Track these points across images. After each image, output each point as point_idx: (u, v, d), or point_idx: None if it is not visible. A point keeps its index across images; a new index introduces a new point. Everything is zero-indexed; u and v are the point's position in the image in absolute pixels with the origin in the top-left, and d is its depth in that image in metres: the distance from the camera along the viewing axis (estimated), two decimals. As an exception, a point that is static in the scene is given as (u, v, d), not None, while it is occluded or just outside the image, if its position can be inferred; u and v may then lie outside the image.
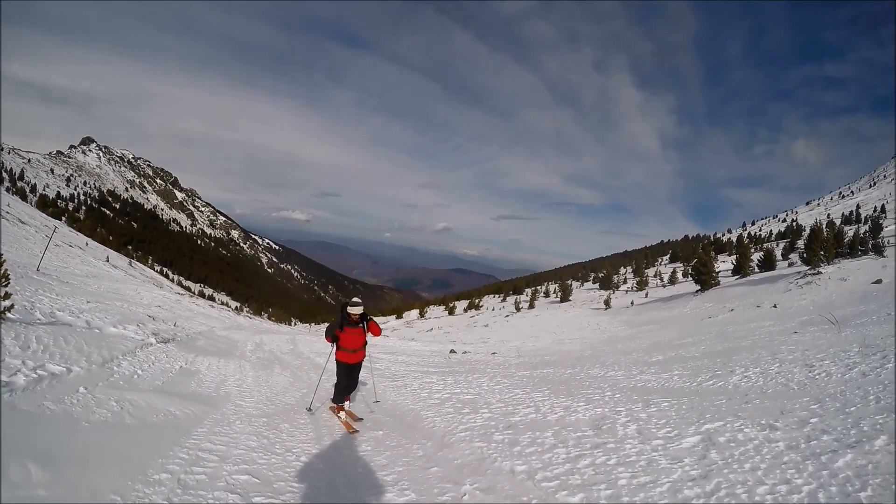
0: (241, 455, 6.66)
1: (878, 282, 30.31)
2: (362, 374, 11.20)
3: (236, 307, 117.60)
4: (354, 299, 9.97)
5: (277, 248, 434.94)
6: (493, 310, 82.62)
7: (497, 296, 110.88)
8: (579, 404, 9.31)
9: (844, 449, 5.30)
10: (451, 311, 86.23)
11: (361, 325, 10.00)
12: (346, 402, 10.00)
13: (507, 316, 67.85)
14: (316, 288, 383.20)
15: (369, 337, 10.57)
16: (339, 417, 9.59)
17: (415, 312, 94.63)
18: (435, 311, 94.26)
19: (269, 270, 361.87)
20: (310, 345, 27.72)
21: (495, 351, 28.32)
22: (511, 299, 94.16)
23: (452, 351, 27.51)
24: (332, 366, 10.30)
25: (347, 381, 10.00)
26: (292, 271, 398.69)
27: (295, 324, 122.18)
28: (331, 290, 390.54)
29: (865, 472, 4.73)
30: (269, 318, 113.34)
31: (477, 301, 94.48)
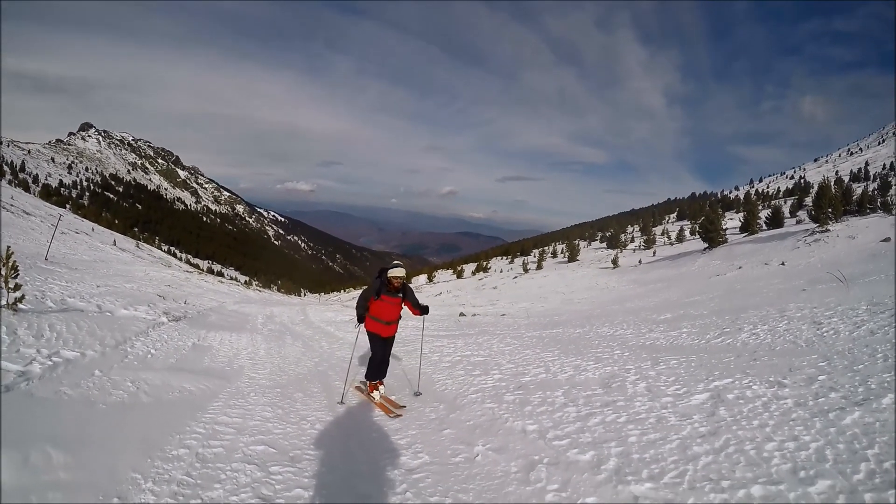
0: (256, 426, 6.74)
1: (887, 240, 30.36)
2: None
3: (245, 281, 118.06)
4: (396, 262, 8.75)
5: (283, 220, 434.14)
6: (502, 272, 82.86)
7: (505, 258, 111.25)
8: (589, 363, 9.40)
9: (852, 406, 5.34)
10: (460, 275, 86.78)
11: (401, 294, 8.67)
12: (381, 388, 8.64)
13: (516, 277, 68.03)
14: (324, 258, 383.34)
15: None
16: (372, 399, 8.49)
17: (423, 277, 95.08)
18: (443, 276, 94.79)
19: (276, 243, 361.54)
20: (320, 314, 27.93)
21: (504, 312, 28.49)
22: (519, 261, 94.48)
23: (462, 314, 27.64)
24: (364, 341, 9.26)
25: (383, 355, 8.73)
26: (299, 242, 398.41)
27: (305, 295, 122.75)
28: (338, 259, 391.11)
29: (873, 429, 4.77)
30: (278, 291, 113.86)
31: (485, 264, 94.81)
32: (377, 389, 8.67)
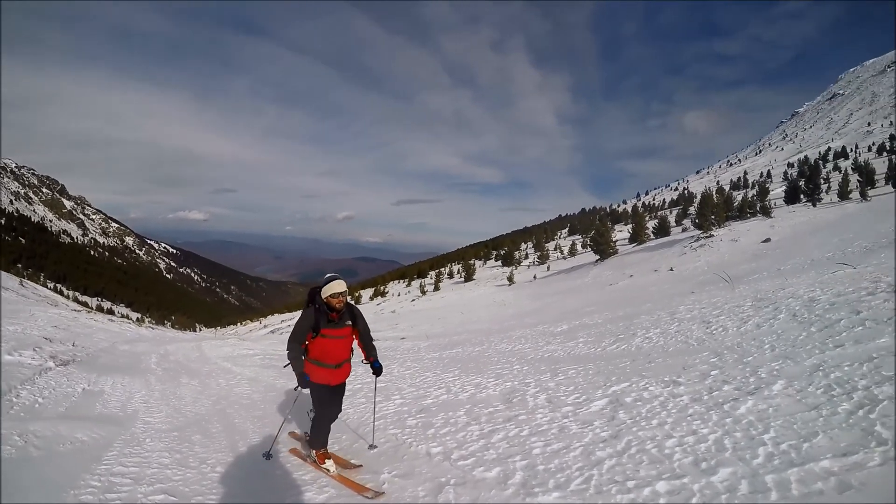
0: (154, 474, 6.43)
1: (767, 240, 32.33)
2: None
3: (137, 318, 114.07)
4: (331, 274, 6.24)
5: (175, 251, 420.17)
6: (399, 295, 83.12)
7: (402, 281, 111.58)
8: (489, 380, 9.47)
9: (745, 396, 5.67)
10: (357, 301, 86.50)
11: (348, 321, 6.34)
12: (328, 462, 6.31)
13: (413, 300, 68.22)
14: (218, 290, 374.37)
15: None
16: (324, 470, 6.28)
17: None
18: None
19: (168, 276, 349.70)
20: (216, 349, 27.15)
21: (404, 336, 28.51)
22: (416, 283, 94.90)
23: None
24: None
25: (332, 411, 6.48)
26: (192, 275, 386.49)
27: (200, 329, 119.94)
28: (233, 291, 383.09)
29: (767, 415, 5.08)
30: (172, 327, 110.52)
31: (382, 288, 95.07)
32: (329, 457, 6.43)
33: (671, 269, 33.08)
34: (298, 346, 6.13)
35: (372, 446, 6.97)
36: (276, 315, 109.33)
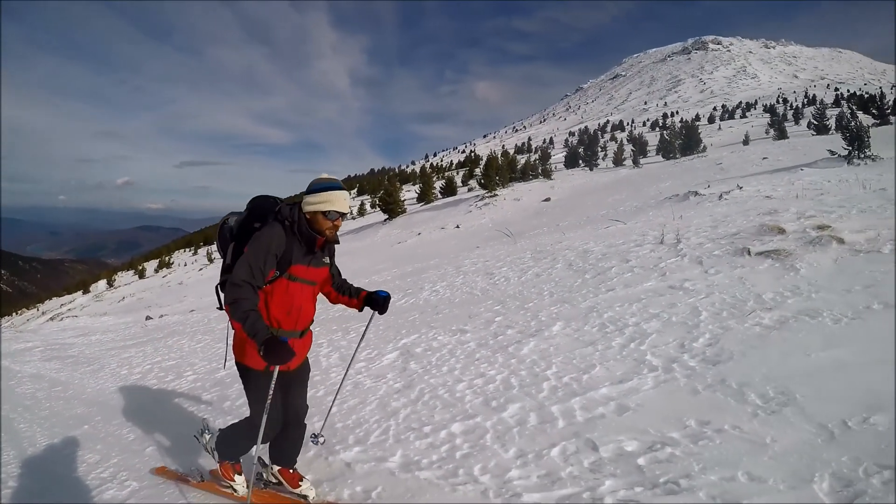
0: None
1: (548, 200, 34.74)
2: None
3: None
4: (326, 176, 3.71)
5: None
6: (186, 265, 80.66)
7: (188, 250, 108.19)
8: (282, 346, 9.33)
9: (527, 338, 6.11)
10: (142, 275, 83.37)
11: (327, 257, 3.99)
12: (305, 484, 4.09)
13: (201, 269, 66.32)
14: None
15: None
16: (233, 488, 4.14)
17: (103, 283, 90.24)
18: (125, 278, 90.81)
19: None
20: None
21: (193, 308, 27.57)
22: (203, 251, 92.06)
23: (148, 317, 26.18)
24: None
25: (279, 410, 3.85)
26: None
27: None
28: (4, 276, 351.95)
29: (548, 353, 5.53)
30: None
31: (167, 259, 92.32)
32: (240, 472, 4.21)
33: (457, 227, 34.00)
34: (255, 292, 3.37)
35: (317, 436, 4.37)
36: (54, 299, 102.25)
